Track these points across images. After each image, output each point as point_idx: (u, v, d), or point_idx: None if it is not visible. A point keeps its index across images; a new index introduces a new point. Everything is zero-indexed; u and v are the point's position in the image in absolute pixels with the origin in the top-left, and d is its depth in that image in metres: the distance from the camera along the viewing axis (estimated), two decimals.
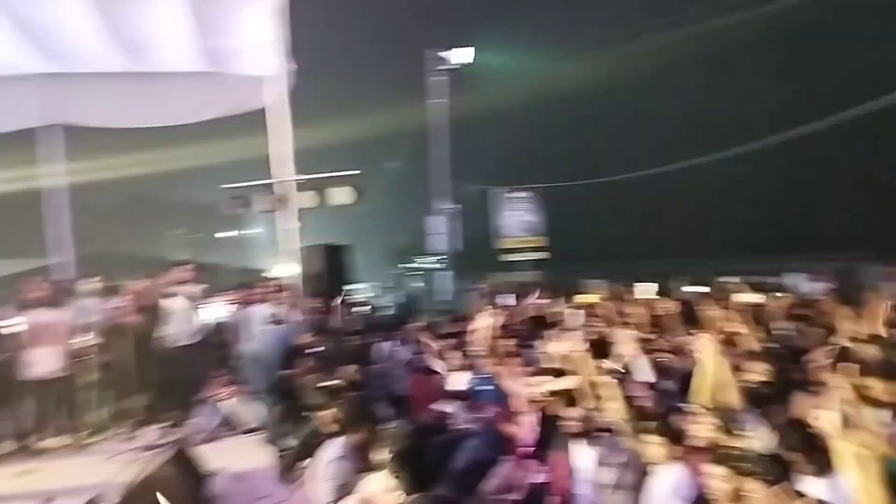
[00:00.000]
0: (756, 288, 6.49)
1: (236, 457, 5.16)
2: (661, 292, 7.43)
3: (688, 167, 16.49)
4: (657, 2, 17.85)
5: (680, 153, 16.71)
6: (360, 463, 3.46)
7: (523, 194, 17.81)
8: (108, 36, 6.90)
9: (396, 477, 3.01)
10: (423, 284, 20.22)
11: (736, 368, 3.61)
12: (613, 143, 20.26)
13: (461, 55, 17.00)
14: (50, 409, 6.17)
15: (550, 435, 3.60)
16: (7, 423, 6.05)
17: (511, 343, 4.88)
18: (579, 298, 7.50)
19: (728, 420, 3.07)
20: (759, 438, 2.95)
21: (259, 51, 7.53)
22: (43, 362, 6.16)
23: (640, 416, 3.32)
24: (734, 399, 3.36)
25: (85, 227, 9.20)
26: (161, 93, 8.18)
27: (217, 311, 7.56)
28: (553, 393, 3.72)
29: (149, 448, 5.26)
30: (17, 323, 6.17)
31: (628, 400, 3.47)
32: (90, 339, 6.35)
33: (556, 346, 4.28)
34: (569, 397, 3.62)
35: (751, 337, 4.34)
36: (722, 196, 16.78)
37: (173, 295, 6.66)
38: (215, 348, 7.01)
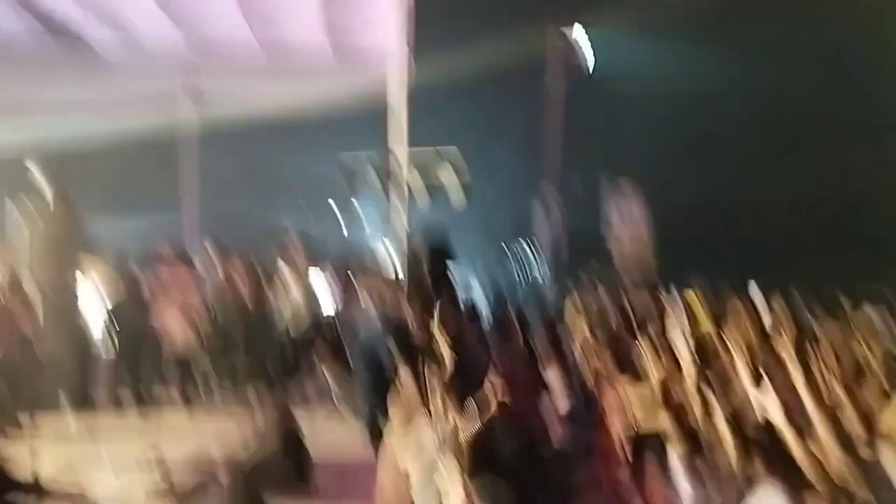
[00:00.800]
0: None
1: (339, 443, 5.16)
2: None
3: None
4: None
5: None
6: None
7: (633, 186, 17.23)
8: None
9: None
10: (522, 272, 19.97)
11: None
12: (733, 142, 19.15)
13: (580, 32, 16.53)
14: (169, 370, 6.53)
15: (646, 454, 3.47)
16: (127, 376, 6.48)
17: (610, 351, 4.62)
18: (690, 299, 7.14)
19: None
20: None
21: (382, 28, 7.65)
22: (171, 322, 6.55)
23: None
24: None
25: (211, 188, 9.76)
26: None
27: (321, 286, 7.74)
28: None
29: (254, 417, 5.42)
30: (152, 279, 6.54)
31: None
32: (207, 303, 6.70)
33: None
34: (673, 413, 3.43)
35: None
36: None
37: (281, 266, 6.88)
38: (320, 331, 7.13)
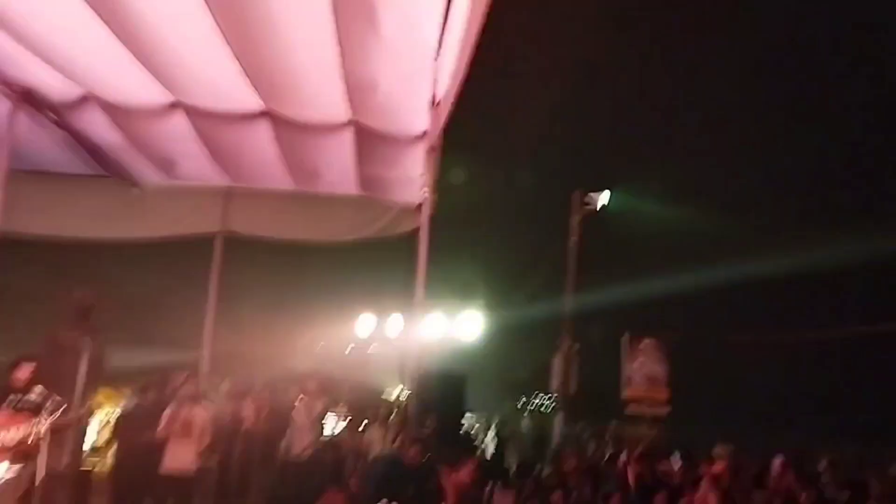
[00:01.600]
0: None
1: None
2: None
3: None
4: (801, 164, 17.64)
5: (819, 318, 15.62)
6: None
7: (651, 341, 17.19)
8: (281, 161, 7.77)
9: None
10: (534, 427, 19.44)
11: None
12: (747, 300, 19.34)
13: (602, 198, 17.30)
14: None
15: None
16: None
17: None
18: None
19: None
20: None
21: (411, 181, 8.11)
22: (178, 457, 6.50)
23: None
24: None
25: (225, 325, 9.90)
26: (320, 211, 9.01)
27: (336, 426, 7.75)
28: None
29: None
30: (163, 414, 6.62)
31: None
32: (216, 438, 6.69)
33: None
34: None
35: None
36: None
37: (297, 405, 6.92)
38: (332, 465, 7.10)
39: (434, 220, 8.16)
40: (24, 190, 7.37)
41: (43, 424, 5.73)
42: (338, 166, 7.82)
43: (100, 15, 4.96)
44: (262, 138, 7.13)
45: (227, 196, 8.92)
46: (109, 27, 5.12)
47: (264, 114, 6.69)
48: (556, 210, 18.00)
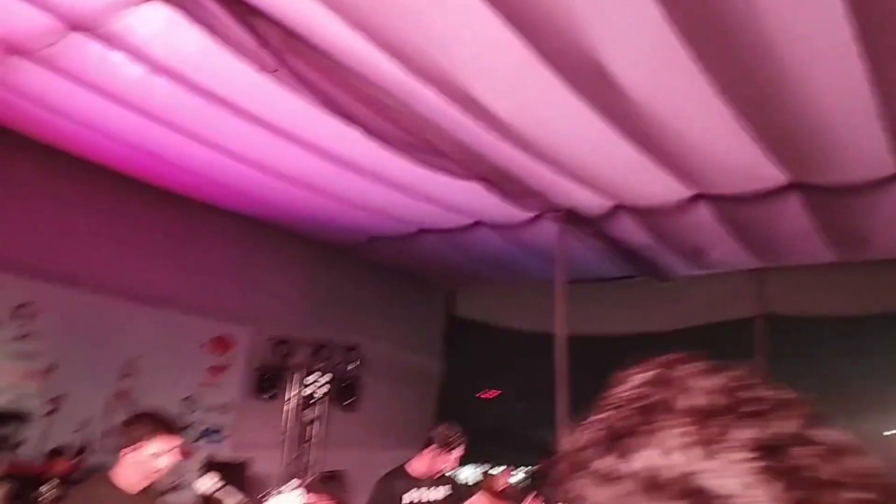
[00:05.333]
0: None
1: None
2: None
3: None
4: None
5: None
6: None
7: None
8: (817, 233, 7.09)
9: None
10: None
11: None
12: None
13: None
14: None
15: None
16: None
17: None
18: None
19: None
20: None
21: None
22: None
23: None
24: None
25: None
26: (869, 281, 7.92)
27: None
28: None
29: None
30: None
31: None
32: None
33: None
34: None
35: None
36: None
37: None
38: None
39: None
40: (576, 297, 8.38)
41: None
42: (891, 227, 6.69)
43: (623, 129, 5.41)
44: (791, 212, 6.64)
45: (761, 277, 8.56)
46: (632, 139, 5.54)
47: (792, 186, 6.22)
48: None
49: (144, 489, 2.62)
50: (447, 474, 4.30)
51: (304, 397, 9.17)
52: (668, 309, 9.51)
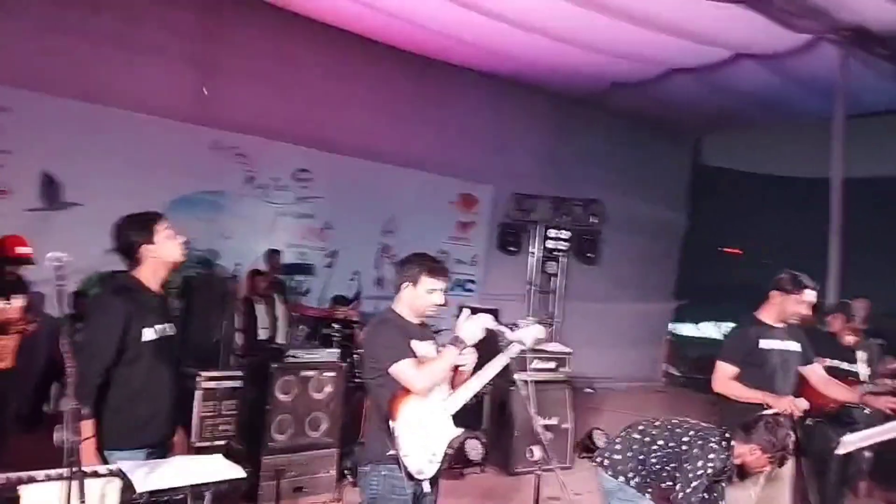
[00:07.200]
0: None
1: None
2: None
3: None
4: None
5: None
6: None
7: None
8: None
9: None
10: None
11: None
12: None
13: None
14: None
15: None
16: None
17: None
18: None
19: None
20: None
21: None
22: None
23: None
24: None
25: None
26: None
27: None
28: None
29: None
30: None
31: None
32: None
33: None
34: None
35: None
36: None
37: None
38: None
39: None
40: (859, 135, 7.21)
41: None
42: None
43: None
44: None
45: None
46: None
47: None
48: None
49: (422, 322, 2.80)
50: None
51: (546, 251, 9.28)
52: None
